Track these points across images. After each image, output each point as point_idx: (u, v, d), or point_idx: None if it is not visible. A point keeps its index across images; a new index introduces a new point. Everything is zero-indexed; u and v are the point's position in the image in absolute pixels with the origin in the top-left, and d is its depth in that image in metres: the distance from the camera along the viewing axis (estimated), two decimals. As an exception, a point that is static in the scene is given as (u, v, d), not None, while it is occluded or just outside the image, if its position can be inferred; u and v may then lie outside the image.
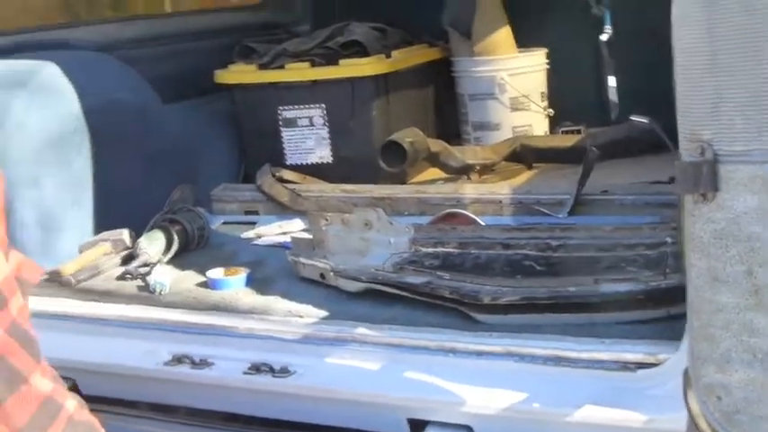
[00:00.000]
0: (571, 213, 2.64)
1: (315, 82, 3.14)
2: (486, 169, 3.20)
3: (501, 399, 1.81)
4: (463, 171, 3.16)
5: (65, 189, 2.66)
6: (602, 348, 1.85)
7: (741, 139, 1.40)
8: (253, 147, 3.33)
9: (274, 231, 2.81)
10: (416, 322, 2.05)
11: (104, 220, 2.73)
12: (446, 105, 3.60)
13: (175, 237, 2.63)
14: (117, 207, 2.75)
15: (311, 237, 2.42)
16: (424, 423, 1.89)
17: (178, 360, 2.10)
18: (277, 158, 3.23)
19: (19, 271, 1.32)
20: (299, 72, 3.14)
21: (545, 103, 3.54)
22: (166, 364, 2.11)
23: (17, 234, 2.40)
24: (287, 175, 3.15)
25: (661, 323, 1.87)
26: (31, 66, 2.68)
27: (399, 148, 2.99)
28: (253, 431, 2.13)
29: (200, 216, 2.77)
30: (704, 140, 1.44)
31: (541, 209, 2.69)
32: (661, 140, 3.05)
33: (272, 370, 2.01)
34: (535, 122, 3.51)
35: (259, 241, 2.78)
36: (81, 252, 2.58)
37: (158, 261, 2.52)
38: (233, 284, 2.36)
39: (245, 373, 2.02)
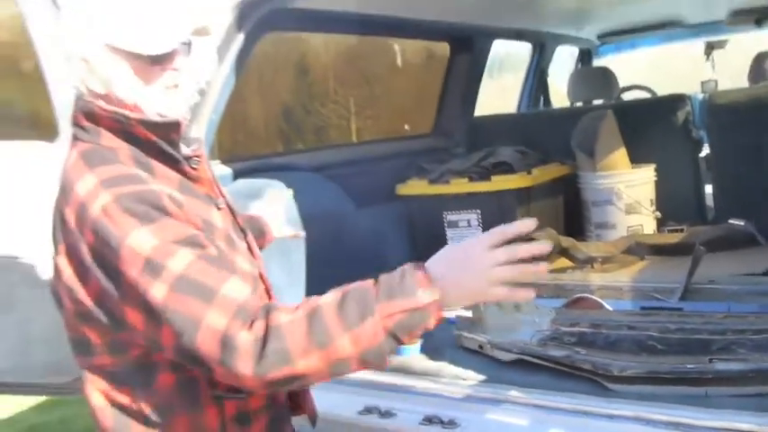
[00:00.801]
0: (682, 299, 2.48)
1: (472, 193, 3.11)
2: (606, 261, 3.05)
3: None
4: (587, 262, 3.03)
5: (287, 274, 2.69)
6: (715, 417, 1.70)
7: None
8: (422, 244, 3.29)
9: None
10: (557, 388, 1.95)
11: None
12: (573, 210, 3.48)
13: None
14: (328, 287, 2.76)
15: (472, 315, 2.36)
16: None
17: (368, 410, 2.05)
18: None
19: None
20: (460, 186, 3.12)
21: (653, 208, 3.39)
22: (360, 413, 2.06)
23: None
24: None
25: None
26: (264, 183, 2.74)
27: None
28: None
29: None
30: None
31: (656, 295, 2.54)
32: (755, 237, 2.89)
33: (441, 422, 1.93)
34: (645, 223, 3.36)
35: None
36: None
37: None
38: (410, 351, 2.30)
39: (420, 423, 1.95)
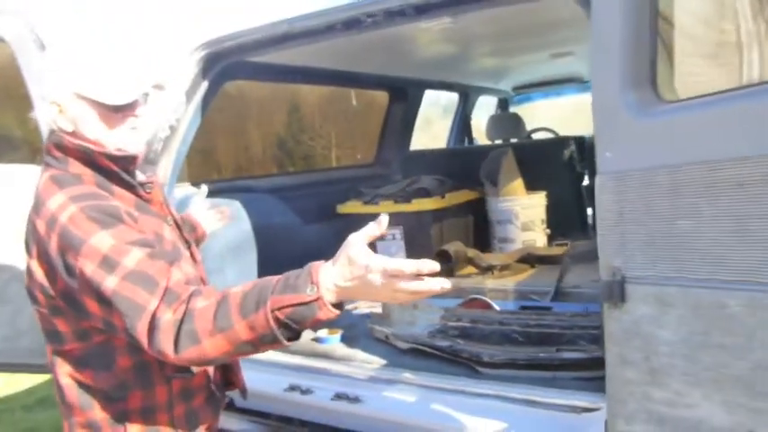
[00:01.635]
0: (553, 300, 2.49)
1: (397, 213, 3.09)
2: (504, 268, 3.06)
3: (490, 427, 1.68)
4: (488, 269, 3.04)
5: (240, 276, 2.67)
6: (560, 396, 1.71)
7: (639, 268, 1.28)
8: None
9: (366, 304, 2.73)
10: (441, 371, 1.96)
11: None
12: (481, 227, 3.48)
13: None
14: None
15: (381, 311, 2.36)
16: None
17: (292, 388, 2.05)
18: (372, 260, 3.17)
19: None
20: (387, 207, 3.10)
21: (544, 226, 3.39)
22: (285, 390, 2.06)
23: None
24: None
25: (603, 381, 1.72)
26: (225, 202, 2.72)
27: (447, 253, 2.91)
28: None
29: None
30: (616, 267, 1.32)
31: (534, 296, 2.55)
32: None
33: (348, 398, 1.94)
34: (538, 238, 3.36)
35: (355, 311, 2.71)
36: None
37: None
38: (332, 340, 2.30)
39: (331, 399, 1.96)
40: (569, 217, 3.57)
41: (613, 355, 1.32)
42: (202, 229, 1.93)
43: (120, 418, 1.37)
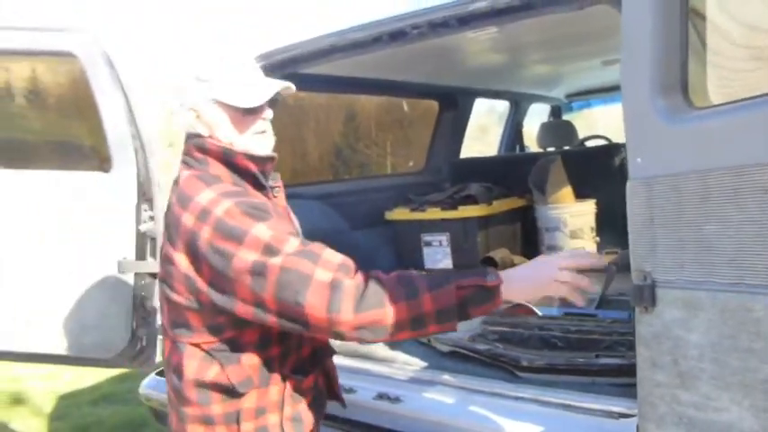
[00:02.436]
0: (598, 307, 2.48)
1: (443, 219, 3.14)
2: (551, 275, 3.06)
3: (526, 430, 1.70)
4: (535, 276, 3.04)
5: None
6: (597, 401, 1.72)
7: (669, 272, 1.30)
8: (403, 258, 3.29)
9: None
10: (480, 374, 1.98)
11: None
12: (530, 234, 3.47)
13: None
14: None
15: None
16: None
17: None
18: (418, 266, 3.21)
19: None
20: (433, 213, 3.15)
21: (593, 234, 3.37)
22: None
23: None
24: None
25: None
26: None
27: (493, 260, 2.93)
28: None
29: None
30: (646, 271, 1.34)
31: (578, 303, 2.54)
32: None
33: (389, 398, 1.98)
34: (587, 246, 3.32)
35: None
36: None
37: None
38: (376, 343, 2.35)
39: (373, 398, 2.01)
40: (620, 225, 3.51)
41: (644, 358, 1.33)
42: None
43: (236, 415, 1.41)
